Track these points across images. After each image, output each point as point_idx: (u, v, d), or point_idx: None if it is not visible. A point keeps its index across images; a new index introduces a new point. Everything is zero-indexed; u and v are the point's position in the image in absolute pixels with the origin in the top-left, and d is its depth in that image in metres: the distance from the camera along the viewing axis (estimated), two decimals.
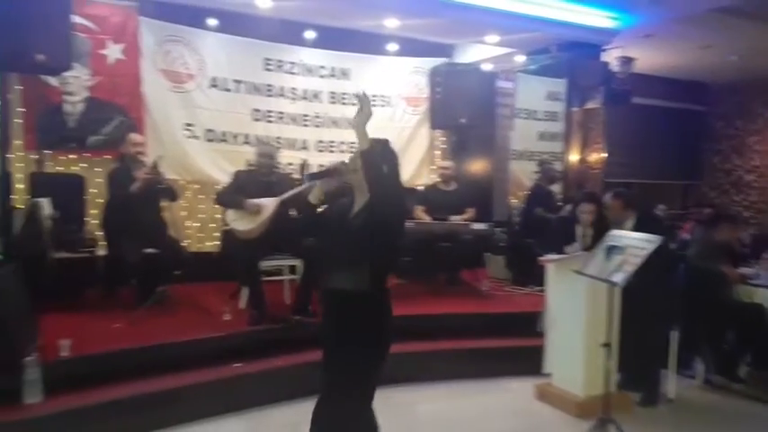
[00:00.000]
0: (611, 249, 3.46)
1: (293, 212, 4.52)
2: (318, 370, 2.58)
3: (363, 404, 2.54)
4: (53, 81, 5.10)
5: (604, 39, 6.43)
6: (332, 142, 6.58)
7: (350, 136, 6.61)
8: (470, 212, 5.74)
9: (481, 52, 6.84)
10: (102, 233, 4.91)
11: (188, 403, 3.72)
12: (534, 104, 7.41)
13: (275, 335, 4.37)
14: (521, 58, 6.87)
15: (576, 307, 3.98)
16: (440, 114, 6.78)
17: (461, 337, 4.81)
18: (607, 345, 3.50)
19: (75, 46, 4.52)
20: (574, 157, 7.17)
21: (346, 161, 2.62)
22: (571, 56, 6.44)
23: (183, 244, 4.97)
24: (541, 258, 4.32)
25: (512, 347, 4.74)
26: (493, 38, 6.19)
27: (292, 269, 5.03)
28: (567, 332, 4.07)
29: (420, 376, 4.45)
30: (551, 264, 4.28)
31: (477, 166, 7.26)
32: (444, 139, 7.33)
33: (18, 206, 4.63)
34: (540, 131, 7.50)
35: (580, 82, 6.65)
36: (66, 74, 4.86)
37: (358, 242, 2.43)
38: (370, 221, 2.42)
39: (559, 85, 7.30)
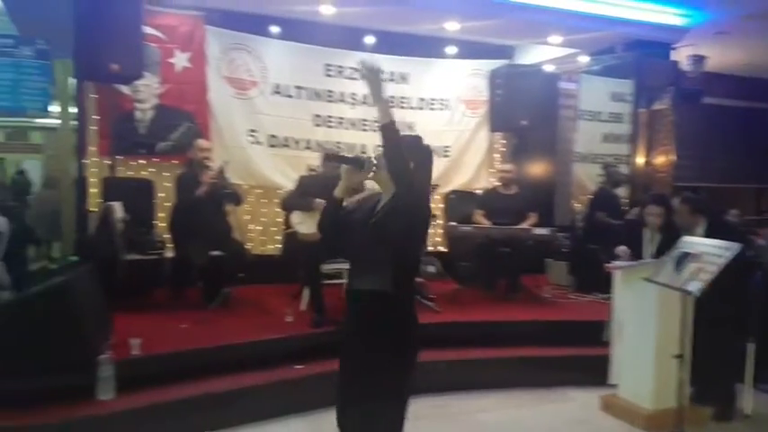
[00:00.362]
0: (685, 257, 3.31)
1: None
2: (337, 376, 2.46)
3: (391, 411, 2.36)
4: (125, 89, 5.32)
5: (674, 37, 6.20)
6: None
7: None
8: (533, 218, 5.61)
9: (543, 53, 6.70)
10: (169, 236, 5.08)
11: (251, 403, 3.78)
12: (598, 106, 7.20)
13: (336, 338, 4.38)
14: (584, 59, 6.69)
15: (645, 316, 3.83)
16: (500, 117, 6.69)
17: (522, 345, 4.70)
18: (680, 356, 3.35)
19: (146, 55, 4.70)
20: (640, 159, 6.92)
21: (372, 157, 2.48)
22: (638, 55, 6.23)
23: (246, 247, 5.08)
24: (608, 265, 4.17)
25: (574, 356, 4.60)
26: (556, 38, 6.06)
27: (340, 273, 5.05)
28: (636, 342, 3.92)
29: (479, 384, 4.39)
30: (619, 271, 4.13)
31: (539, 170, 7.11)
32: (504, 141, 7.22)
33: (92, 209, 4.84)
34: (604, 133, 7.28)
35: (647, 82, 6.42)
36: (138, 82, 5.07)
37: (379, 241, 2.32)
38: (392, 218, 2.29)
39: (625, 86, 7.06)
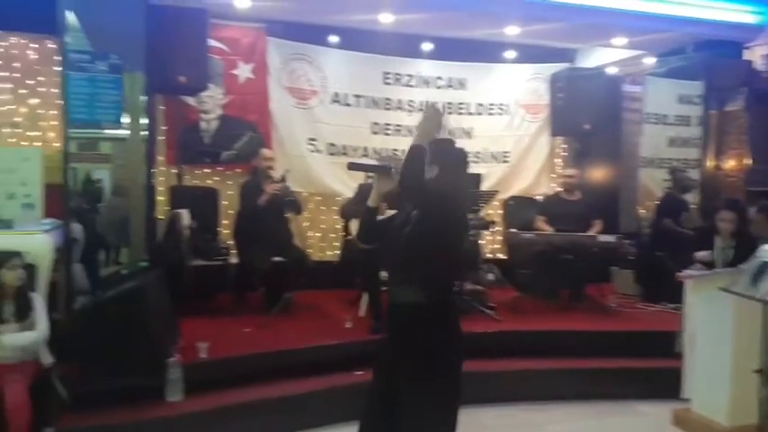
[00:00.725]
0: (764, 267, 3.14)
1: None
2: (368, 390, 2.42)
3: (436, 426, 2.31)
4: (191, 101, 5.50)
5: (747, 36, 5.92)
6: None
7: (465, 145, 6.51)
8: (598, 225, 5.43)
9: (606, 56, 6.54)
10: (233, 242, 5.20)
11: (312, 408, 3.81)
12: (665, 108, 6.94)
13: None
14: (650, 60, 6.48)
15: (721, 328, 3.65)
16: (561, 121, 6.56)
17: (587, 356, 4.56)
18: (760, 371, 3.18)
19: (211, 68, 4.84)
20: (710, 163, 6.64)
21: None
22: (708, 55, 5.99)
23: (306, 253, 5.15)
24: (680, 274, 4.00)
25: (643, 369, 4.44)
26: (620, 40, 5.88)
27: None
28: (711, 355, 3.73)
29: (545, 395, 4.28)
30: (691, 280, 3.96)
31: (602, 175, 6.92)
32: (565, 146, 7.07)
33: (160, 217, 5.01)
34: (670, 137, 7.02)
35: (718, 83, 6.16)
36: (203, 93, 5.22)
37: (410, 252, 2.28)
38: (420, 230, 2.25)
39: (692, 88, 6.81)
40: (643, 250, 6.12)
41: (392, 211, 2.57)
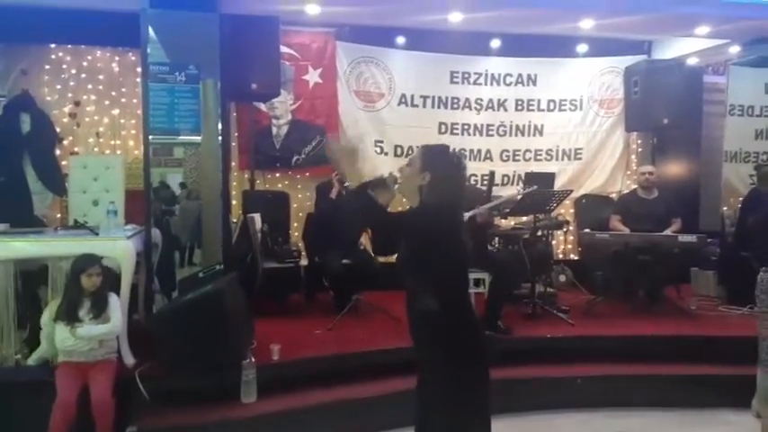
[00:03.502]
0: None
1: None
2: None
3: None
4: (263, 106, 5.64)
5: None
6: (516, 151, 6.43)
7: (535, 143, 6.43)
8: (677, 224, 5.19)
9: (685, 46, 6.21)
10: (302, 245, 5.29)
11: (382, 411, 3.81)
12: (750, 99, 6.53)
13: None
14: (734, 49, 6.10)
15: None
16: (637, 116, 6.30)
17: (666, 362, 4.36)
18: None
19: (282, 73, 4.94)
20: None
21: (394, 172, 2.44)
22: None
23: (373, 255, 5.17)
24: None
25: (729, 376, 4.19)
26: (703, 29, 5.56)
27: (478, 282, 4.98)
28: None
29: (621, 402, 4.12)
30: None
31: (682, 171, 6.60)
32: (641, 142, 6.79)
33: (233, 221, 5.17)
34: (757, 129, 6.60)
35: None
36: (274, 99, 5.34)
37: (414, 262, 2.27)
38: (407, 252, 2.28)
39: None
40: (726, 250, 5.80)
41: None
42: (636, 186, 5.70)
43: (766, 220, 4.53)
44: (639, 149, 6.78)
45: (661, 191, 5.47)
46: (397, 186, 2.40)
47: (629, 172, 6.60)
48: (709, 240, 5.35)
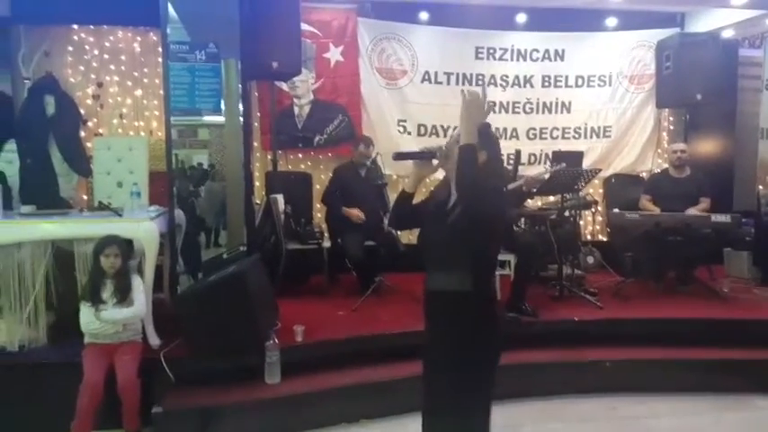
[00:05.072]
0: None
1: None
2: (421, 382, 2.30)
3: (474, 420, 2.23)
4: (284, 86, 5.58)
5: None
6: (543, 129, 6.29)
7: (562, 121, 6.27)
8: (705, 203, 5.05)
9: (720, 18, 5.98)
10: (326, 226, 5.26)
11: (405, 393, 3.76)
12: None
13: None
14: None
15: None
16: (669, 91, 6.08)
17: (697, 345, 4.24)
18: None
19: (303, 52, 4.87)
20: None
21: (443, 146, 2.30)
22: None
23: (397, 236, 5.12)
24: None
25: (761, 360, 4.10)
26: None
27: (503, 264, 4.90)
28: None
29: (650, 387, 4.03)
30: None
31: (715, 149, 6.38)
32: (672, 119, 6.59)
33: (257, 202, 5.15)
34: None
35: None
36: (296, 78, 5.28)
37: (454, 239, 2.17)
38: (466, 220, 2.13)
39: None
40: (762, 230, 5.62)
41: None
42: (667, 165, 5.54)
43: None
44: (671, 127, 6.57)
45: (693, 169, 5.31)
46: (444, 165, 2.28)
47: (659, 150, 6.42)
48: (743, 220, 5.19)
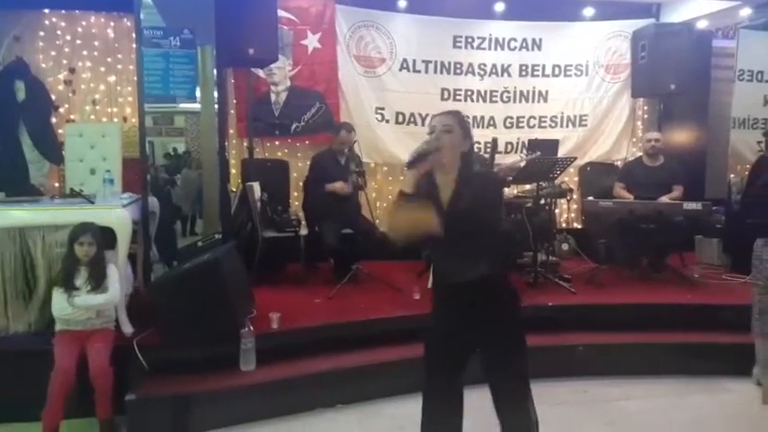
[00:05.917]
0: None
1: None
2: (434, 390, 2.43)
3: (528, 389, 2.42)
4: (261, 73, 5.53)
5: None
6: (520, 117, 6.32)
7: (539, 109, 6.31)
8: (677, 191, 5.13)
9: (693, 9, 6.04)
10: (302, 214, 5.25)
11: (381, 379, 3.83)
12: (760, 64, 6.36)
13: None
14: (745, 12, 5.93)
15: None
16: (644, 81, 6.16)
17: (669, 330, 4.33)
18: None
19: (280, 38, 4.83)
20: None
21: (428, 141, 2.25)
22: None
23: (375, 224, 5.13)
24: None
25: (730, 344, 4.17)
26: None
27: None
28: None
29: (622, 370, 4.11)
30: None
31: (688, 138, 6.49)
32: (647, 108, 6.67)
33: (232, 189, 5.12)
34: (766, 95, 6.47)
35: None
36: (272, 65, 5.23)
37: (473, 228, 2.19)
38: (473, 208, 2.17)
39: None
40: (732, 218, 5.73)
41: None
42: (641, 154, 5.61)
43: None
44: (646, 116, 6.66)
45: (666, 158, 5.38)
46: (439, 155, 2.22)
47: (634, 139, 6.50)
48: (714, 208, 5.28)
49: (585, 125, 6.38)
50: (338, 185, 4.83)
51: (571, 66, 6.29)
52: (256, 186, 4.97)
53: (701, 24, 6.17)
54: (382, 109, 5.94)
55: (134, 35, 4.22)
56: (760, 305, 3.81)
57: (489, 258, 2.26)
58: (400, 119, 6.00)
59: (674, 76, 5.86)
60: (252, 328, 3.62)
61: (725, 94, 6.44)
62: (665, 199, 5.01)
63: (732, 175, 6.41)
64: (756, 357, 3.88)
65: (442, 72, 6.06)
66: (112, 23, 5.19)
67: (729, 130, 6.33)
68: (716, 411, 3.71)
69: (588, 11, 6.19)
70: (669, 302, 4.61)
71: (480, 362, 2.37)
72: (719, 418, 3.62)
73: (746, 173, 5.85)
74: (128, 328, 3.63)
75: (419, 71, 6.01)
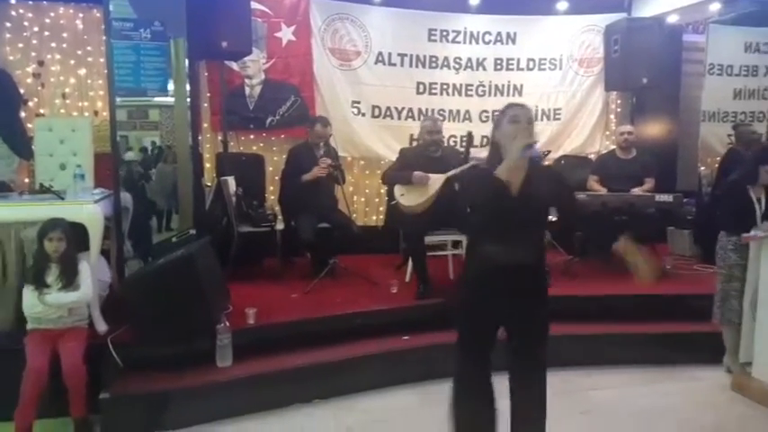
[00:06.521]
0: None
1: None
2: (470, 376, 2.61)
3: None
4: (235, 66, 5.47)
5: None
6: (496, 111, 6.27)
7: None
8: (649, 183, 5.21)
9: (665, 4, 6.12)
10: (279, 209, 5.22)
11: (359, 373, 3.84)
12: (730, 58, 6.51)
13: (441, 310, 4.35)
14: (715, 7, 6.03)
15: None
16: (617, 75, 6.21)
17: (641, 320, 4.42)
18: None
19: (254, 31, 4.78)
20: None
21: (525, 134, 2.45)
22: None
23: (352, 219, 5.13)
24: (745, 235, 3.77)
25: (700, 333, 4.25)
26: None
27: (456, 244, 4.98)
28: None
29: (595, 360, 4.19)
30: (756, 241, 3.73)
31: (660, 131, 6.58)
32: (620, 102, 6.75)
33: (207, 184, 5.06)
34: (736, 89, 6.61)
35: None
36: (246, 58, 5.18)
37: (533, 215, 2.44)
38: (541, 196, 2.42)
39: (761, 35, 6.37)
40: (702, 209, 5.85)
41: None
42: (614, 147, 5.68)
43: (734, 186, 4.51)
44: (618, 109, 6.74)
45: (639, 151, 5.46)
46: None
47: (607, 132, 6.57)
48: (685, 200, 5.38)
49: (559, 119, 6.44)
50: (314, 170, 4.80)
51: (545, 60, 6.33)
52: (231, 181, 4.93)
53: (672, 19, 6.25)
54: (358, 102, 5.92)
55: (104, 27, 4.13)
56: (722, 293, 3.91)
57: (539, 245, 2.52)
58: (376, 112, 5.98)
59: (646, 69, 5.92)
60: (228, 323, 3.60)
61: (695, 88, 6.56)
62: (637, 191, 5.09)
63: (702, 168, 6.54)
64: (726, 344, 3.98)
65: (417, 66, 6.05)
66: (81, 15, 5.08)
67: (699, 124, 6.45)
68: (687, 399, 3.80)
69: (562, 5, 6.23)
70: (642, 293, 4.67)
71: (507, 346, 2.57)
72: (690, 405, 3.71)
73: (717, 165, 5.97)
74: (101, 326, 3.57)
75: (395, 64, 5.99)
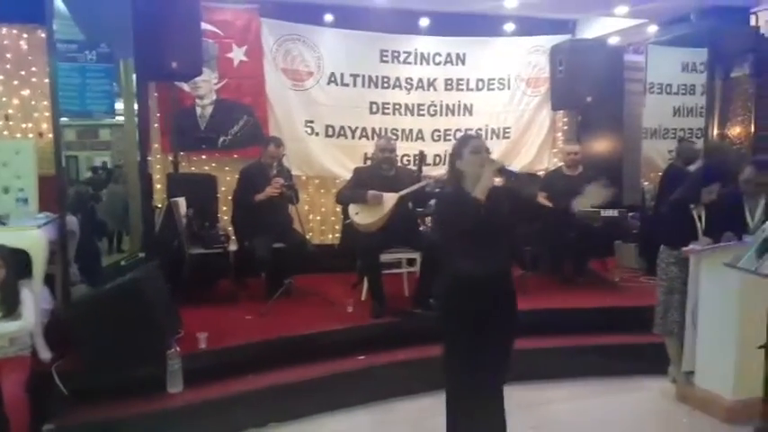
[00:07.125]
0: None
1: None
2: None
3: None
4: (185, 86, 5.42)
5: (753, 0, 5.74)
6: (447, 130, 6.45)
7: (465, 122, 6.46)
8: None
9: (607, 25, 6.36)
10: (232, 229, 5.16)
11: (315, 395, 3.81)
12: (668, 77, 6.81)
13: (397, 328, 4.37)
14: (652, 29, 6.31)
15: (726, 303, 3.61)
16: (562, 94, 6.44)
17: (591, 333, 4.54)
18: (764, 347, 3.13)
19: (204, 51, 4.75)
20: (716, 132, 6.49)
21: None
22: (713, 22, 5.80)
23: (307, 238, 5.12)
24: (685, 249, 3.92)
25: (648, 344, 4.37)
26: (622, 9, 5.70)
27: (410, 262, 5.01)
28: (715, 330, 3.69)
29: (548, 374, 4.26)
30: (695, 254, 3.89)
31: (605, 148, 6.80)
32: (566, 120, 6.96)
33: (157, 206, 4.97)
34: (675, 106, 6.90)
35: (724, 50, 5.96)
36: (197, 78, 5.14)
37: (501, 228, 2.77)
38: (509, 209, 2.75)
39: (697, 55, 6.64)
40: (646, 223, 6.05)
41: None
42: (561, 164, 5.85)
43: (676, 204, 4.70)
44: (565, 127, 6.94)
45: (585, 167, 5.64)
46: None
47: (555, 150, 6.76)
48: (630, 214, 5.57)
49: (509, 137, 6.59)
50: (267, 190, 4.80)
51: (494, 80, 6.48)
52: (182, 202, 4.86)
53: (614, 40, 6.51)
54: (312, 122, 5.94)
55: (47, 48, 4.04)
56: (664, 305, 4.06)
57: (507, 256, 2.89)
58: (330, 132, 6.01)
59: (590, 88, 6.15)
60: (179, 348, 3.53)
61: (637, 106, 6.82)
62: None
63: (646, 183, 6.78)
64: (670, 355, 4.12)
65: (370, 86, 6.12)
66: (25, 35, 4.94)
67: (642, 140, 6.71)
68: (634, 409, 3.92)
69: (509, 26, 6.40)
70: (591, 306, 4.82)
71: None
72: (636, 415, 3.84)
73: (659, 180, 6.20)
74: (45, 354, 3.45)
75: (347, 84, 6.04)
